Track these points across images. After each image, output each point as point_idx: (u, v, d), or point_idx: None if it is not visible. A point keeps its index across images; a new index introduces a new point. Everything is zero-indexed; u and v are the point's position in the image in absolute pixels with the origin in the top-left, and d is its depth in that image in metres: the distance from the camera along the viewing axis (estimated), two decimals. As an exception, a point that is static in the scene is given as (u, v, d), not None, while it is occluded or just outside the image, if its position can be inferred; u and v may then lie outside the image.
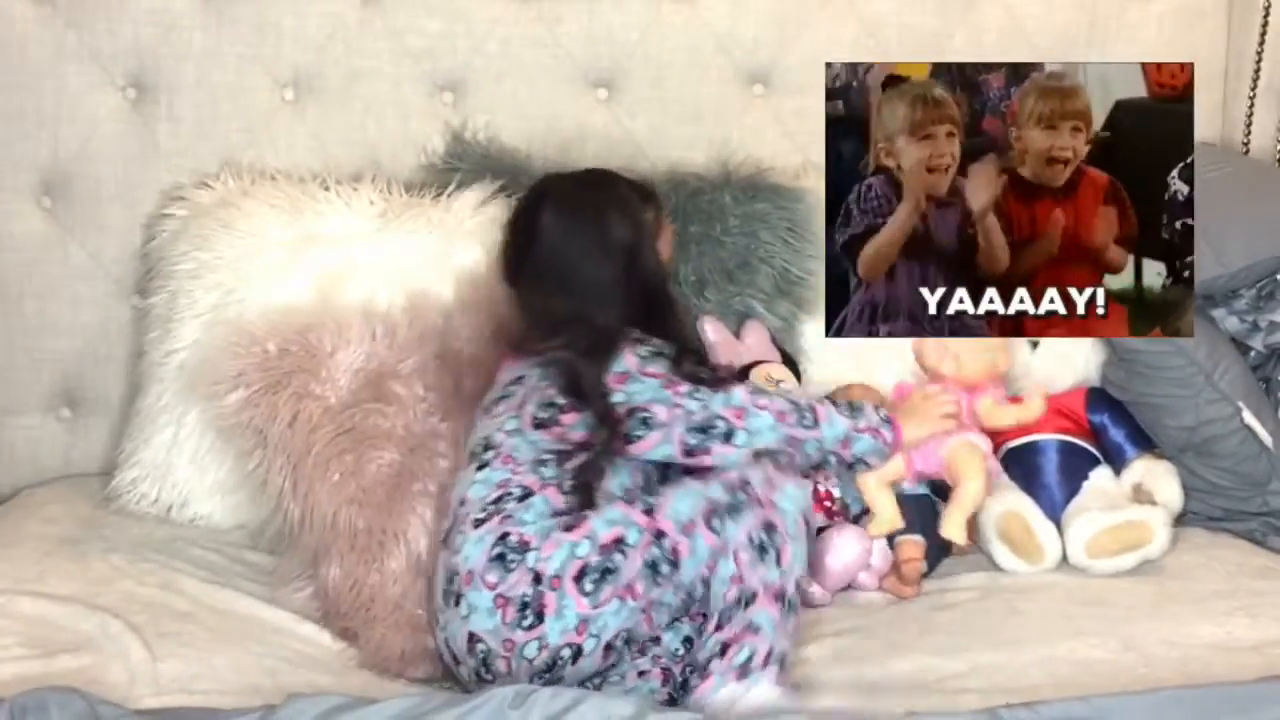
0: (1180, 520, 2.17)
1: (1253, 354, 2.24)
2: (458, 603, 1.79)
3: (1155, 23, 2.47)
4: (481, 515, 1.82)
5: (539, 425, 1.87)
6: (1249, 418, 2.15)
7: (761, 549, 1.77)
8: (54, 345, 2.33)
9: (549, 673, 1.75)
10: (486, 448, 1.88)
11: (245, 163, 2.31)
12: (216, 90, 2.30)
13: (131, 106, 2.30)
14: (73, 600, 1.91)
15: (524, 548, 1.77)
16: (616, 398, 1.87)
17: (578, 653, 1.75)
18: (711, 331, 2.21)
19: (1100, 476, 2.17)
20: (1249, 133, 2.47)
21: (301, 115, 2.34)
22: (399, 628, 1.90)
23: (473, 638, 1.77)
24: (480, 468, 1.87)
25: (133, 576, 1.99)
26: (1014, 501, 2.11)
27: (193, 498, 2.19)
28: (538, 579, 1.75)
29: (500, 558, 1.77)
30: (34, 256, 2.31)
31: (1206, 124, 2.49)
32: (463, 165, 2.32)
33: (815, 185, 2.34)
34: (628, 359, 1.88)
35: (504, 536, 1.78)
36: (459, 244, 2.20)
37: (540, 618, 1.75)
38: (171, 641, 1.84)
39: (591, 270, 1.94)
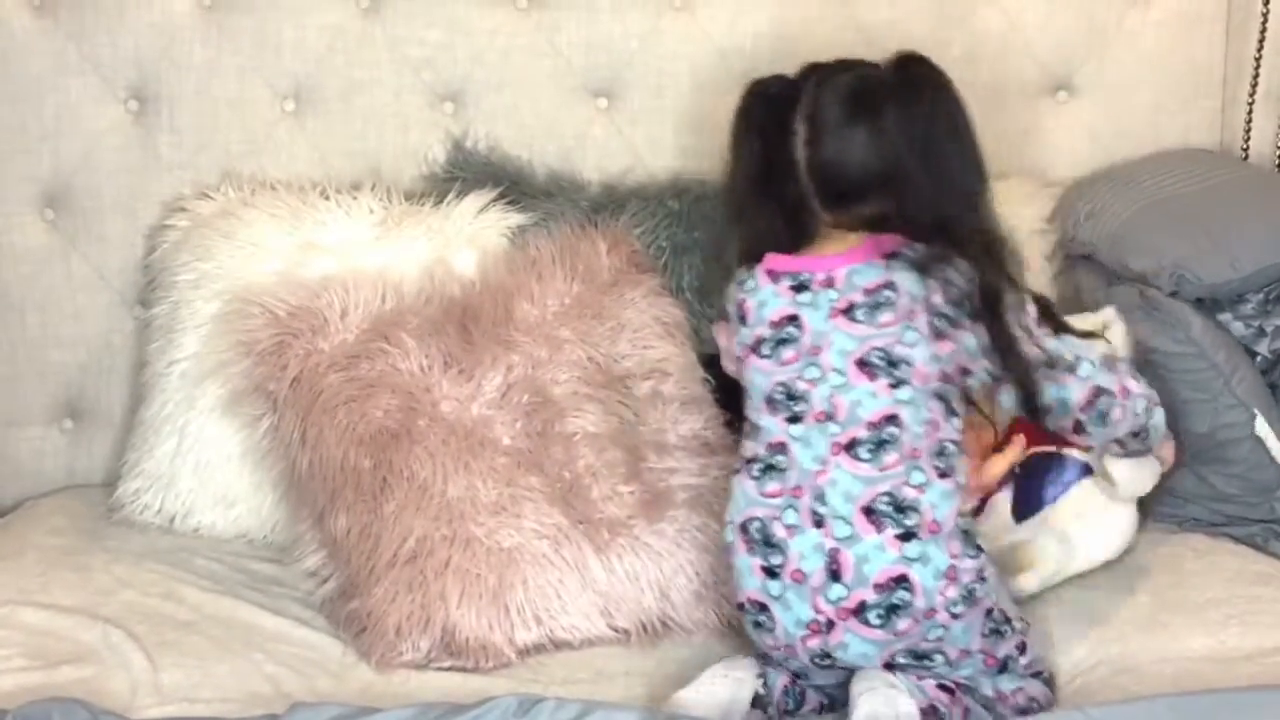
0: (1146, 513, 2.12)
1: (1259, 359, 2.23)
2: (905, 538, 1.69)
3: (1154, 29, 2.47)
4: (940, 465, 1.72)
5: (938, 336, 1.74)
6: (1260, 426, 2.13)
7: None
8: (57, 357, 2.34)
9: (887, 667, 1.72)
10: (889, 361, 1.73)
11: (246, 173, 2.32)
12: (217, 101, 2.31)
13: (133, 118, 2.31)
14: (75, 611, 1.92)
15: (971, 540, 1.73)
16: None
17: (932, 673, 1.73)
18: (724, 337, 2.21)
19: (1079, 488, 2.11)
20: (1248, 138, 2.47)
21: (302, 126, 2.34)
22: (398, 587, 1.92)
23: (898, 581, 1.69)
24: (894, 385, 1.72)
25: (135, 587, 2.01)
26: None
27: (196, 508, 2.19)
28: (979, 577, 1.72)
29: (965, 535, 1.72)
30: (36, 268, 2.32)
31: (1206, 130, 2.50)
32: (463, 174, 2.33)
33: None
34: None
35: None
36: (459, 250, 2.21)
37: (956, 617, 1.71)
38: (173, 651, 1.86)
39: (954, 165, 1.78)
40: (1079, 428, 1.85)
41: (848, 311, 1.77)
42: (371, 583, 1.93)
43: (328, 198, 2.27)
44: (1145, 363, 2.19)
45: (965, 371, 1.78)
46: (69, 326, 2.33)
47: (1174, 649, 1.87)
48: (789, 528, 1.73)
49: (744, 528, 1.77)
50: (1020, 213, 2.36)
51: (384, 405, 2.01)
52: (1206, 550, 2.13)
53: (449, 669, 1.90)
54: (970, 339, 1.76)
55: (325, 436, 2.00)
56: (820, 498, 1.72)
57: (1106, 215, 2.29)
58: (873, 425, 1.73)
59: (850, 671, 1.74)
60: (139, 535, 2.17)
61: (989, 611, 1.74)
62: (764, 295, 1.83)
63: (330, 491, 1.99)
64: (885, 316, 1.76)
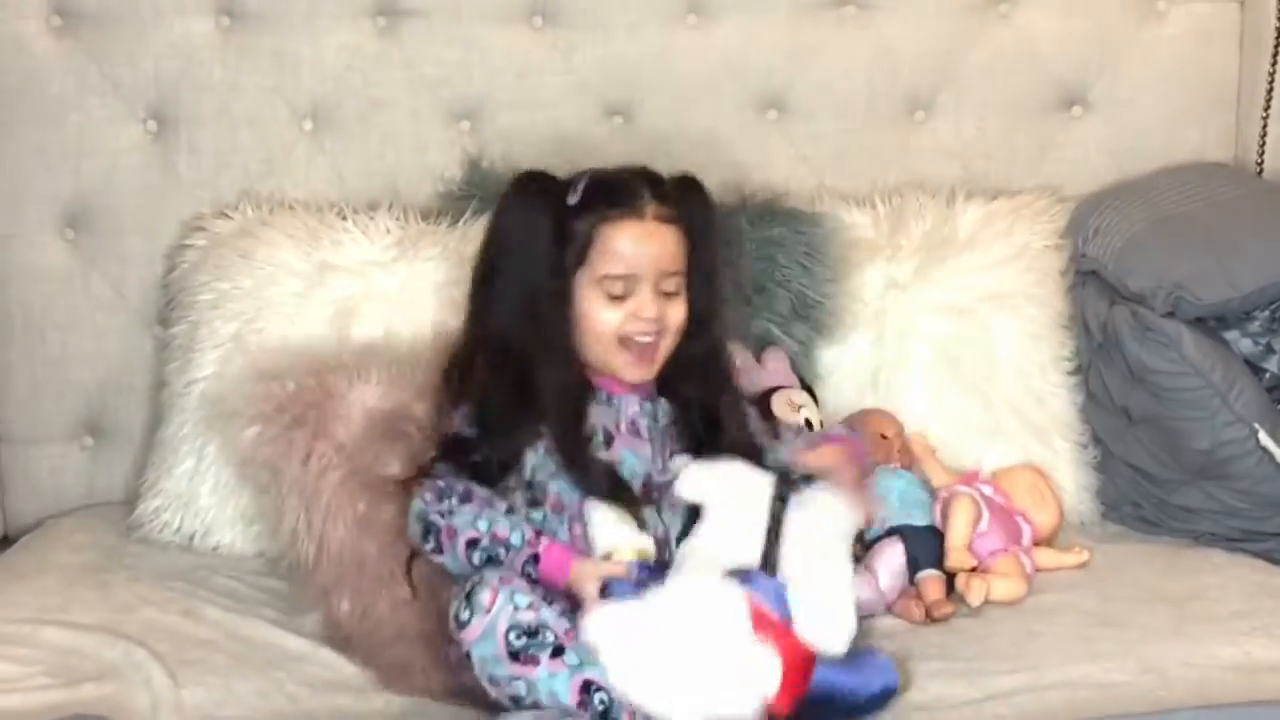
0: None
1: (1267, 376, 2.24)
2: None
3: (1168, 44, 2.47)
4: None
5: None
6: (1265, 439, 2.15)
7: None
8: (77, 375, 2.35)
9: None
10: None
11: (264, 193, 2.33)
12: (236, 121, 2.32)
13: (152, 138, 2.32)
14: (97, 629, 1.92)
15: None
16: None
17: None
18: (739, 356, 2.22)
19: None
20: (1262, 153, 2.47)
21: (320, 145, 2.36)
22: (410, 645, 1.90)
23: None
24: None
25: (156, 605, 2.01)
26: None
27: (215, 526, 2.20)
28: None
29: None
30: (57, 288, 2.33)
31: (1220, 145, 2.50)
32: (479, 193, 2.33)
33: (830, 209, 2.36)
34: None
35: None
36: (475, 270, 2.22)
37: None
38: (195, 669, 1.86)
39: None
40: None
41: None
42: (378, 653, 1.92)
43: (345, 217, 2.27)
44: (1141, 382, 2.21)
45: None
46: (89, 345, 2.34)
47: (1200, 656, 1.86)
48: None
49: None
50: (1034, 228, 2.38)
51: (390, 508, 1.94)
52: (1225, 564, 2.14)
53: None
54: None
55: (329, 532, 1.95)
56: None
57: (1112, 232, 2.30)
58: None
59: None
60: (159, 553, 2.17)
61: None
62: None
63: (335, 579, 1.96)
64: None
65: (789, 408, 2.18)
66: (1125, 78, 2.48)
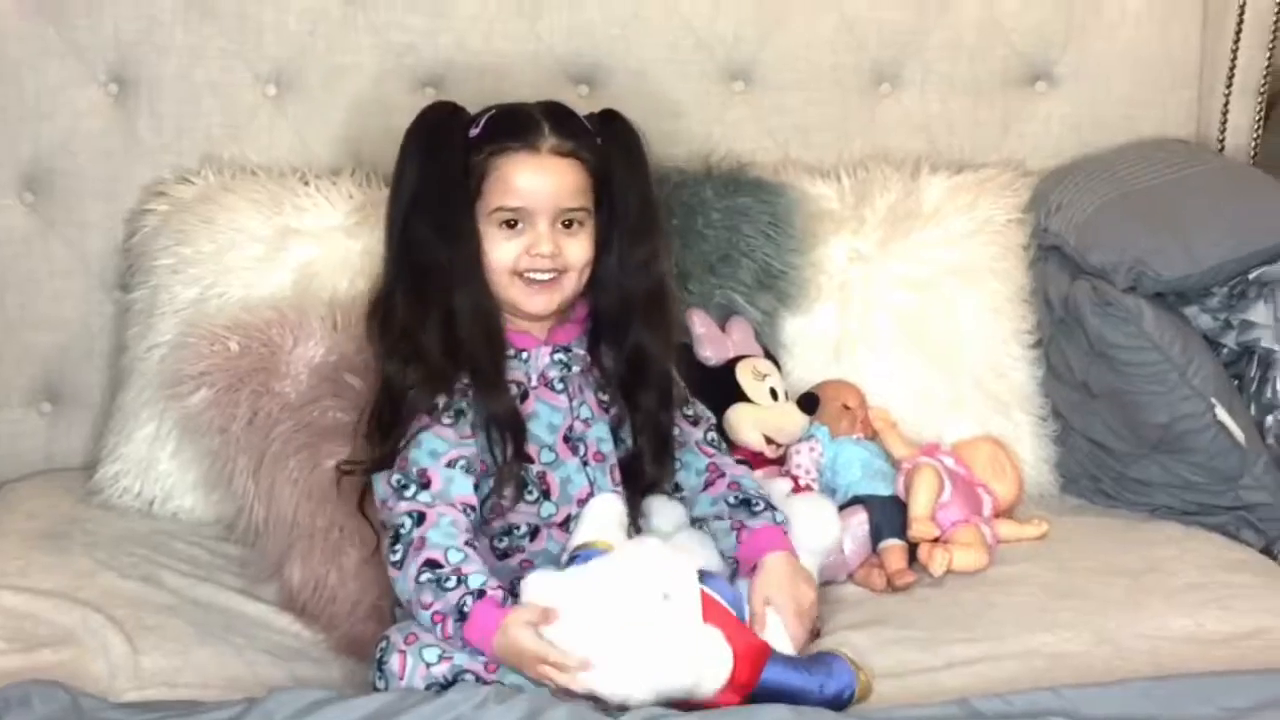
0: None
1: (1225, 351, 2.26)
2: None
3: (1132, 20, 2.48)
4: None
5: None
6: (1221, 414, 2.17)
7: None
8: (36, 339, 2.33)
9: None
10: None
11: (226, 158, 2.31)
12: (198, 85, 2.30)
13: (113, 101, 2.30)
14: (54, 594, 1.92)
15: None
16: None
17: None
18: (699, 324, 2.22)
19: None
20: (1224, 130, 2.49)
21: (283, 111, 2.34)
22: (363, 621, 1.91)
23: None
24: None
25: (115, 570, 2.00)
26: None
27: (175, 492, 2.19)
28: None
29: None
30: (16, 251, 2.30)
31: (1183, 122, 2.51)
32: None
33: (796, 181, 2.36)
34: None
35: None
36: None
37: None
38: (153, 635, 1.85)
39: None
40: None
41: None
42: (332, 627, 1.92)
43: (307, 183, 2.26)
44: (1101, 357, 2.22)
45: None
46: (48, 309, 2.32)
47: (1152, 627, 1.89)
48: None
49: None
50: (997, 202, 2.39)
51: (336, 453, 1.93)
52: (1180, 538, 2.16)
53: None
54: None
55: (277, 489, 1.95)
56: None
57: (1075, 207, 2.31)
58: None
59: None
60: (118, 519, 2.16)
61: None
62: None
63: (286, 546, 1.95)
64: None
65: (754, 376, 2.18)
66: (1089, 53, 2.49)
